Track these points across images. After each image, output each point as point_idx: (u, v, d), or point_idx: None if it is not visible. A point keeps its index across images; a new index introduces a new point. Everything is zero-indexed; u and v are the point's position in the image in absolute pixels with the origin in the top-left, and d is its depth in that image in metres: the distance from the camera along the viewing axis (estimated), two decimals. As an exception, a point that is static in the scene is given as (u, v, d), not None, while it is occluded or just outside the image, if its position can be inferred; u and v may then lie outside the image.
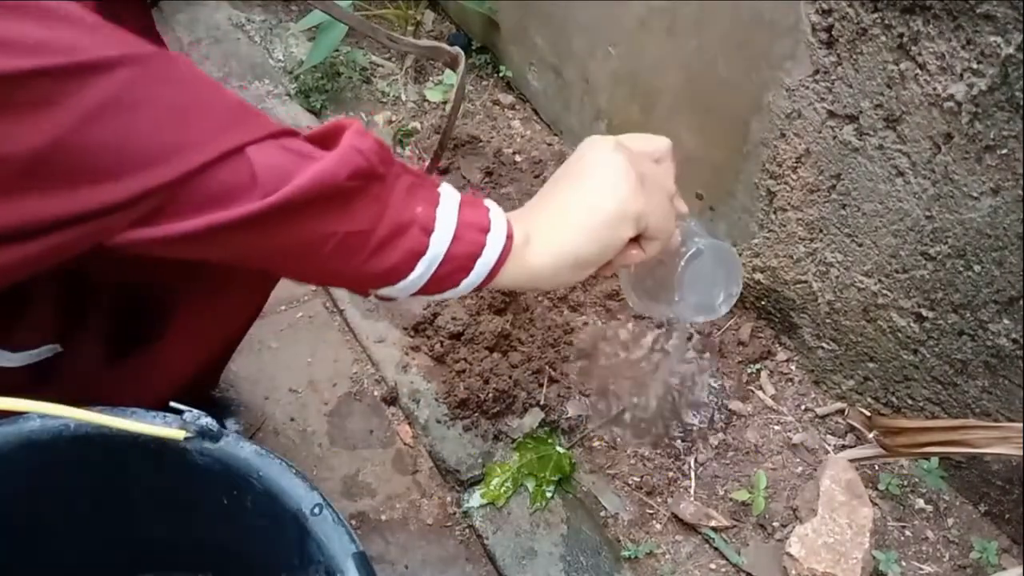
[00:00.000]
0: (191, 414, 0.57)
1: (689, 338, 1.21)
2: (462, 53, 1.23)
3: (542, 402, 1.11)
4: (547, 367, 1.14)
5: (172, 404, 0.58)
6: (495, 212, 0.58)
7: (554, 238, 0.59)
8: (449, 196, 0.57)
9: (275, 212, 0.48)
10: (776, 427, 1.13)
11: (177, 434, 0.57)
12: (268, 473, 0.57)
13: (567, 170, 0.62)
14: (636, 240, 0.62)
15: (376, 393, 1.13)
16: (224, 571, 0.70)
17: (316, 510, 0.55)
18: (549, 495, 1.02)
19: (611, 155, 0.59)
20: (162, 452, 0.58)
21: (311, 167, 0.49)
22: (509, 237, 0.57)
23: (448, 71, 1.51)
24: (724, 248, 0.72)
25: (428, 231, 0.54)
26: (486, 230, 0.56)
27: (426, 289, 0.57)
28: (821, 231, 1.05)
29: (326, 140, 0.53)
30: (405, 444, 1.09)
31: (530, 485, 1.02)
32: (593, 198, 0.59)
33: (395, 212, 0.53)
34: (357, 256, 0.53)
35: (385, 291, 0.57)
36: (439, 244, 0.55)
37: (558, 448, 1.06)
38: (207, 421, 0.57)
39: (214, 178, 0.47)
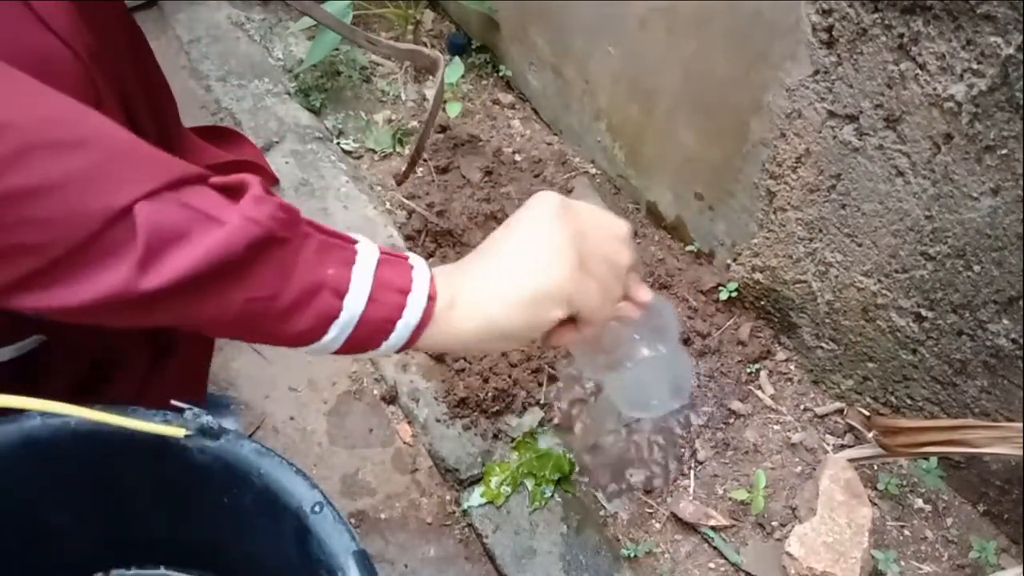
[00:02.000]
0: (191, 412, 0.57)
1: (686, 341, 1.21)
2: (441, 58, 1.22)
3: (542, 401, 1.11)
4: (547, 366, 1.14)
5: (173, 402, 0.58)
6: (419, 271, 0.54)
7: (480, 307, 0.56)
8: (367, 255, 0.53)
9: (159, 292, 0.44)
10: (775, 427, 1.14)
11: (177, 432, 0.57)
12: (268, 471, 0.57)
13: (507, 231, 0.58)
14: (573, 319, 0.59)
15: (375, 392, 1.13)
16: (224, 569, 0.70)
17: (317, 508, 0.55)
18: (548, 494, 1.02)
19: (552, 227, 0.56)
20: (162, 450, 0.58)
21: (204, 240, 0.45)
22: (431, 299, 0.54)
23: (447, 70, 1.51)
24: (671, 359, 0.66)
25: (341, 294, 0.51)
26: (407, 291, 0.53)
27: (345, 349, 0.54)
28: (821, 231, 1.05)
29: (231, 192, 0.48)
30: (404, 443, 1.09)
31: (529, 484, 1.02)
32: (523, 273, 0.55)
33: (302, 276, 0.49)
34: (262, 322, 0.50)
35: (304, 349, 0.54)
36: (353, 307, 0.51)
37: (555, 447, 1.06)
38: (207, 419, 0.57)
39: (94, 243, 0.42)
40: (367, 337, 0.53)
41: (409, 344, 0.54)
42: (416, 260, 0.55)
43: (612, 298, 0.60)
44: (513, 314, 0.55)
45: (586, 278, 0.56)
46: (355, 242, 0.53)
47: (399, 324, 0.53)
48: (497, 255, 0.57)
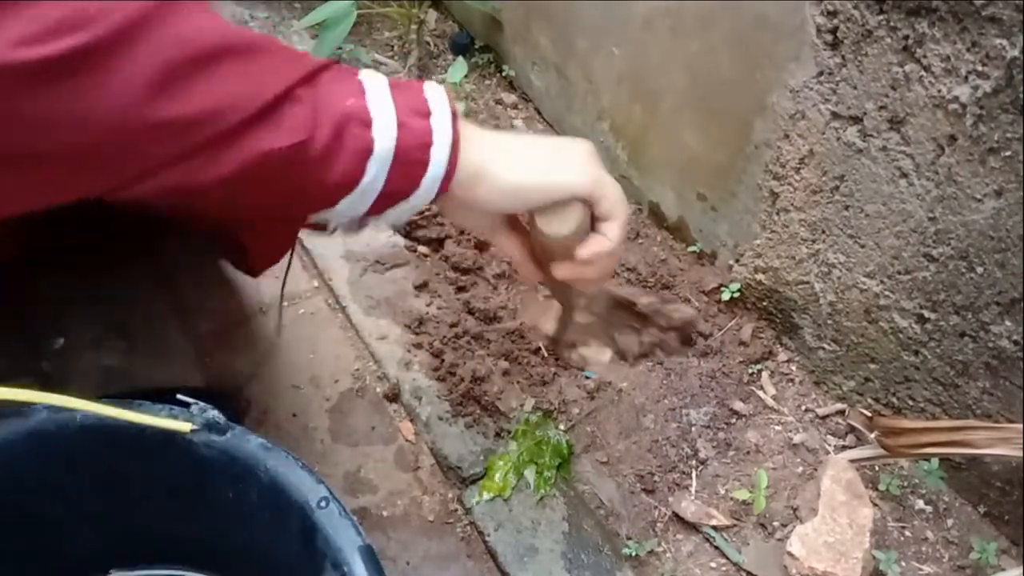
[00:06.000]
0: (198, 407, 0.58)
1: (689, 340, 1.21)
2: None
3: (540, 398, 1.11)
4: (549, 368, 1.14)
5: (179, 397, 0.58)
6: (432, 92, 0.53)
7: (503, 140, 0.56)
8: (375, 84, 0.51)
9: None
10: (777, 427, 1.14)
11: (184, 427, 0.57)
12: (274, 466, 0.57)
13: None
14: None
15: (378, 390, 1.13)
16: (229, 564, 0.70)
17: (323, 503, 0.55)
18: (551, 481, 1.02)
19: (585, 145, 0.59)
20: (168, 445, 0.58)
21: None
22: (455, 115, 0.52)
23: (450, 70, 1.51)
24: None
25: (367, 123, 0.49)
26: (428, 113, 0.51)
27: (386, 194, 0.51)
28: (824, 232, 1.06)
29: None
30: (407, 441, 1.09)
31: (531, 474, 1.02)
32: (547, 144, 0.58)
33: (326, 111, 0.48)
34: (304, 173, 0.48)
35: (346, 206, 0.52)
36: (385, 137, 0.49)
37: (552, 432, 1.07)
38: (214, 414, 0.58)
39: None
40: (406, 172, 0.51)
41: (448, 177, 0.52)
42: (428, 84, 0.54)
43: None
44: (538, 157, 0.56)
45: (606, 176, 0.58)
46: (357, 73, 0.52)
47: (433, 150, 0.51)
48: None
